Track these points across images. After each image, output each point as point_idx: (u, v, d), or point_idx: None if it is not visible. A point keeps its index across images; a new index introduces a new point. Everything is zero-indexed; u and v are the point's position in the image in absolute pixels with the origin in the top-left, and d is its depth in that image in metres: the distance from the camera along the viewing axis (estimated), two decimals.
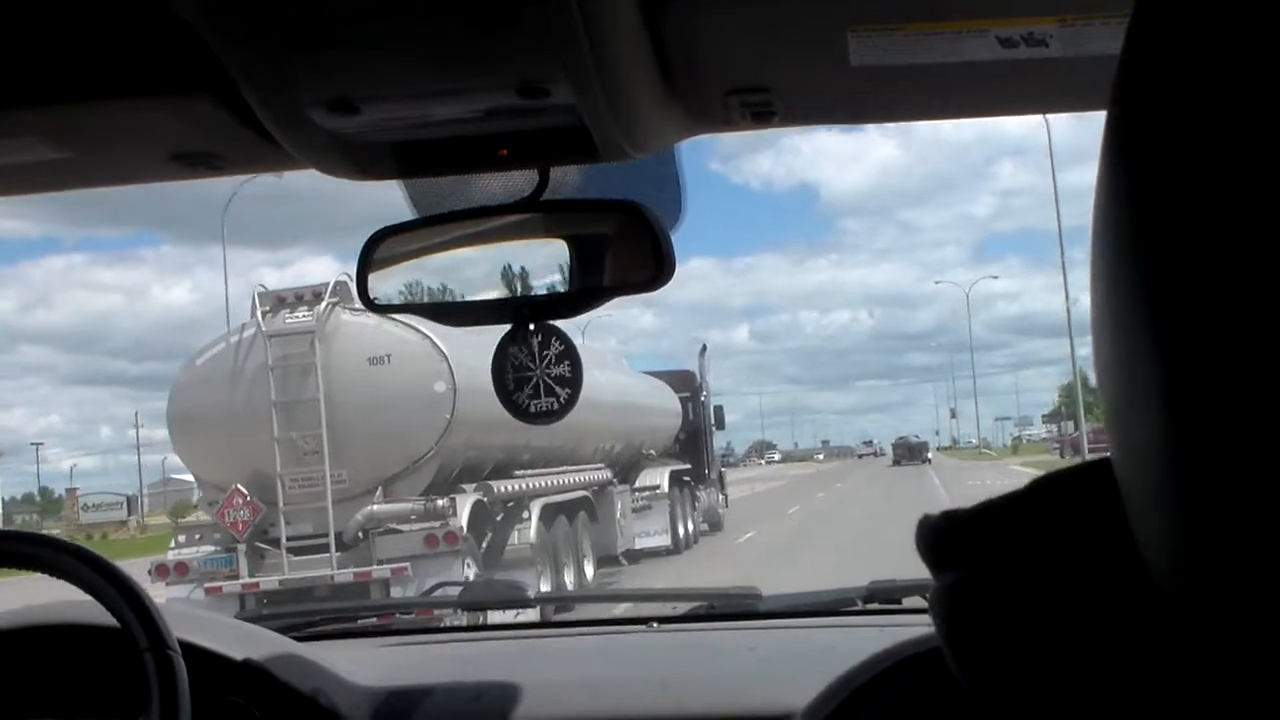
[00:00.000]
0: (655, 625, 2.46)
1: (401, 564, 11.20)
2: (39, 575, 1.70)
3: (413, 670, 2.12)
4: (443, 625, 2.93)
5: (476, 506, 11.97)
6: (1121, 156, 0.40)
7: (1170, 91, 0.38)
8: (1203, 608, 0.41)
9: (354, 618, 2.88)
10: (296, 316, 11.56)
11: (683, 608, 2.62)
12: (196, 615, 2.07)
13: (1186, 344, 0.37)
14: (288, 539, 11.50)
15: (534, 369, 1.36)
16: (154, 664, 1.64)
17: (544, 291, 1.37)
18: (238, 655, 1.91)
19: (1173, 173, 0.38)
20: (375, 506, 11.48)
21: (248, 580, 11.41)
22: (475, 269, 1.41)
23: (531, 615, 3.03)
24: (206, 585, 11.37)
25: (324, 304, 11.48)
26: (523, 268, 1.39)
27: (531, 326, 1.35)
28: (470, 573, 11.44)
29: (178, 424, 11.89)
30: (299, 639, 2.24)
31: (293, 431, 11.42)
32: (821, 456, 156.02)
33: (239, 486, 11.43)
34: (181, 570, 11.53)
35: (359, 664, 2.09)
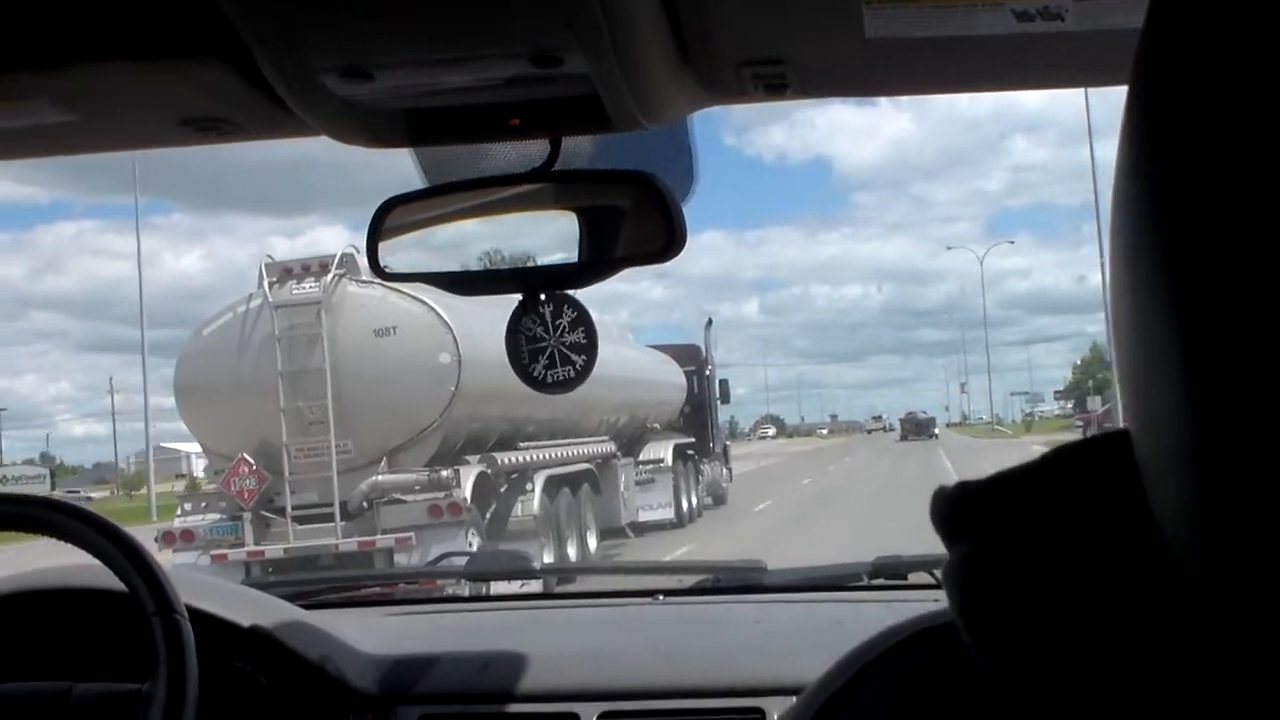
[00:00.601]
0: (660, 597, 2.46)
1: (405, 534, 11.31)
2: (45, 540, 1.73)
3: (419, 639, 2.13)
4: (449, 595, 2.94)
5: (480, 478, 12.07)
6: (1142, 127, 0.41)
7: (1192, 63, 0.38)
8: (1220, 576, 0.41)
9: (360, 586, 2.89)
10: (303, 288, 11.63)
11: (688, 580, 2.62)
12: (204, 581, 2.08)
13: (1206, 310, 0.38)
14: (293, 508, 11.60)
15: (548, 338, 1.36)
16: (161, 628, 1.64)
17: (555, 262, 1.37)
18: (245, 622, 1.91)
19: (1193, 143, 0.38)
20: (380, 477, 11.57)
21: (253, 548, 11.51)
22: (486, 239, 1.40)
23: (537, 586, 3.03)
24: (212, 552, 11.50)
25: (330, 275, 11.54)
26: (533, 238, 1.39)
27: (543, 297, 1.35)
28: (474, 543, 11.53)
29: (185, 393, 11.98)
30: (306, 607, 2.25)
31: (299, 401, 11.50)
32: (825, 432, 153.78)
33: (245, 455, 11.53)
34: (188, 537, 11.64)
35: (366, 632, 2.09)
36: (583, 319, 1.36)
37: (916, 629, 0.68)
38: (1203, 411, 0.39)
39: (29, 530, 1.71)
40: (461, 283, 1.43)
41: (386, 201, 1.35)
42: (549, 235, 1.38)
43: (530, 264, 1.37)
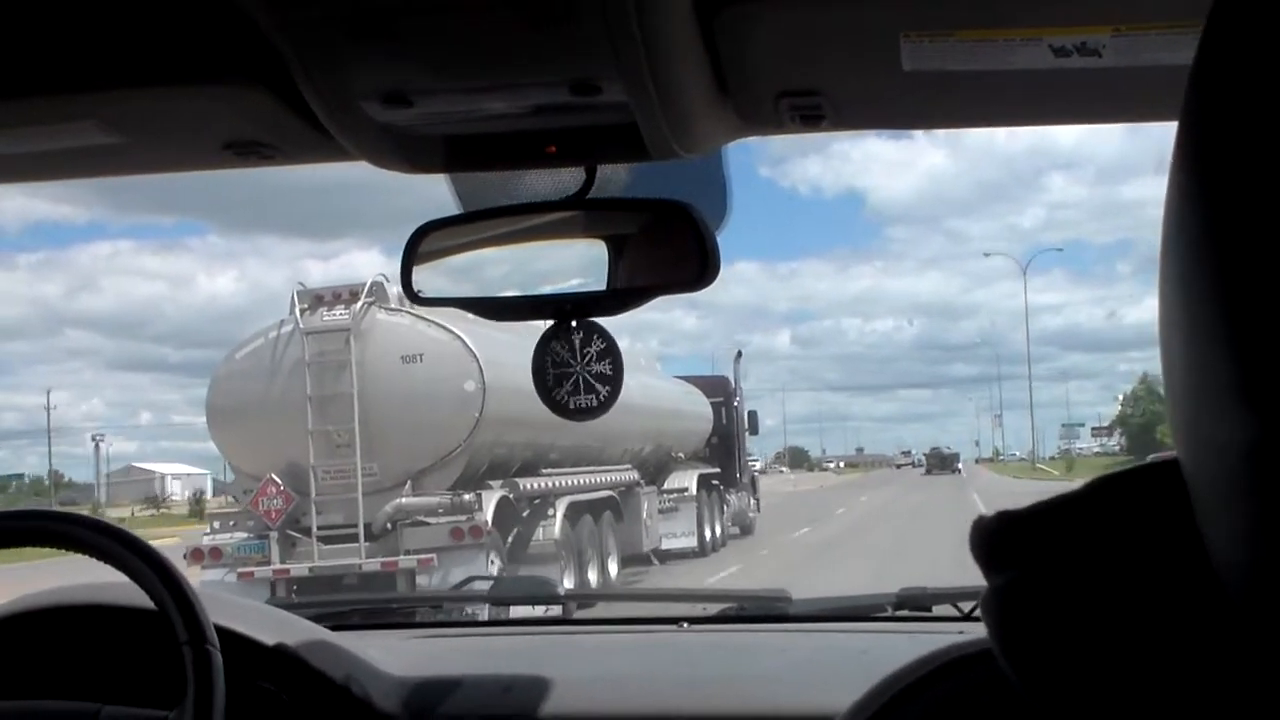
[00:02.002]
0: (685, 625, 2.43)
1: (428, 555, 11.58)
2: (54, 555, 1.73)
3: (443, 661, 2.13)
4: (473, 619, 2.90)
5: (502, 502, 12.32)
6: (1195, 159, 0.40)
7: (1246, 96, 0.38)
8: (1276, 605, 0.40)
9: (384, 608, 2.89)
10: (334, 314, 11.95)
11: (713, 608, 2.60)
12: (229, 601, 2.05)
13: (1264, 337, 0.38)
14: (319, 528, 11.89)
15: (574, 365, 1.36)
16: (192, 657, 1.62)
17: (587, 289, 1.36)
18: (270, 641, 1.89)
19: (1249, 170, 0.38)
20: (404, 499, 11.85)
21: (279, 566, 11.80)
22: (519, 264, 1.41)
23: (559, 612, 3.01)
24: (239, 570, 11.79)
25: (360, 303, 11.85)
26: (565, 264, 1.40)
27: (574, 324, 1.35)
28: (495, 566, 11.80)
29: (216, 414, 12.32)
30: (331, 628, 2.21)
31: (327, 425, 11.81)
32: (835, 466, 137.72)
33: (273, 476, 11.84)
34: (215, 555, 11.97)
35: (390, 654, 2.08)
36: (611, 350, 1.36)
37: (950, 658, 0.67)
38: (1261, 438, 0.38)
39: (65, 547, 1.70)
40: (494, 308, 1.43)
41: (422, 226, 1.36)
42: (582, 262, 1.37)
43: (562, 291, 1.37)
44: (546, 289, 1.39)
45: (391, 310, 11.79)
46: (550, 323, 1.37)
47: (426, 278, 1.38)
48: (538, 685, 1.96)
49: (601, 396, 1.37)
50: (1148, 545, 0.48)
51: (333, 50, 1.03)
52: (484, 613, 2.98)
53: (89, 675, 1.88)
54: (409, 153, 1.25)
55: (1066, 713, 0.49)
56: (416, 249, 1.36)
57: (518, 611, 3.03)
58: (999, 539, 0.53)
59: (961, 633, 0.71)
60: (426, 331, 11.66)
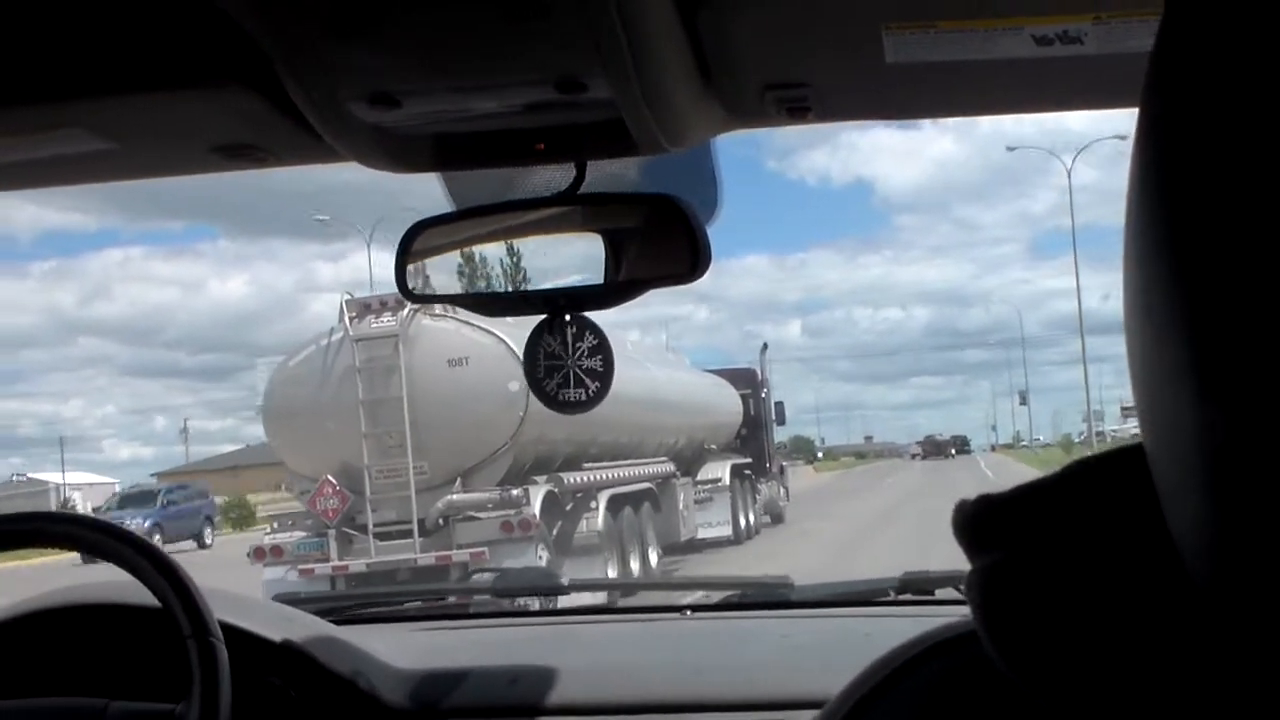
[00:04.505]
0: (689, 613, 2.45)
1: (479, 549, 12.03)
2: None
3: (449, 654, 2.13)
4: (478, 610, 2.87)
5: (548, 496, 12.77)
6: (1152, 145, 0.41)
7: (1201, 83, 0.39)
8: (1235, 591, 0.41)
9: (390, 602, 2.87)
10: (381, 321, 12.39)
11: (716, 596, 2.61)
12: (234, 597, 2.05)
13: (1218, 322, 0.38)
14: (374, 525, 12.37)
15: (565, 359, 1.36)
16: (197, 651, 1.63)
17: (579, 284, 1.37)
18: (276, 637, 1.91)
19: (1204, 153, 0.38)
20: (455, 496, 12.32)
21: (338, 563, 12.29)
22: (512, 261, 1.40)
23: (565, 602, 2.98)
24: (300, 567, 12.30)
25: (406, 310, 12.25)
26: (557, 260, 1.40)
27: (567, 318, 1.36)
28: (544, 558, 12.24)
29: (272, 419, 12.85)
30: (337, 623, 2.25)
31: (378, 427, 12.27)
32: (815, 456, 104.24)
33: (329, 477, 12.34)
34: (277, 553, 12.50)
35: (396, 647, 2.09)
36: (602, 347, 1.37)
37: (943, 637, 0.67)
38: (1215, 424, 0.39)
39: (67, 547, 1.74)
40: (487, 304, 1.46)
41: (414, 225, 1.37)
42: (574, 257, 1.38)
43: (555, 286, 1.38)
44: (539, 284, 1.39)
45: (437, 316, 12.22)
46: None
47: (420, 275, 1.40)
48: (543, 675, 1.97)
49: (591, 391, 1.38)
50: (1123, 528, 0.49)
51: (318, 52, 1.04)
52: (494, 605, 2.94)
53: (96, 672, 1.90)
54: (398, 152, 1.25)
55: (1049, 692, 0.51)
56: (410, 247, 1.37)
57: (523, 602, 3.03)
58: (981, 522, 0.54)
59: (964, 616, 0.64)
60: (471, 335, 12.08)
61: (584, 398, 1.38)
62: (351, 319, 12.51)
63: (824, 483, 51.30)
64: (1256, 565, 0.39)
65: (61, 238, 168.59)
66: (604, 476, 14.22)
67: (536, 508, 12.38)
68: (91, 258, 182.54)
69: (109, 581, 1.91)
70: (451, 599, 3.03)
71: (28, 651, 1.97)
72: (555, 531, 13.07)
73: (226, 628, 1.70)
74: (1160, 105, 0.41)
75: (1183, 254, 0.39)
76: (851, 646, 1.86)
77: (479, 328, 11.98)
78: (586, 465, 14.01)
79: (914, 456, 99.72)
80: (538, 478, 12.99)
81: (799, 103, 1.22)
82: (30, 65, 1.10)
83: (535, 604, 2.99)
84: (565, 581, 2.92)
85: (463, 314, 10.85)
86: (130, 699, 1.76)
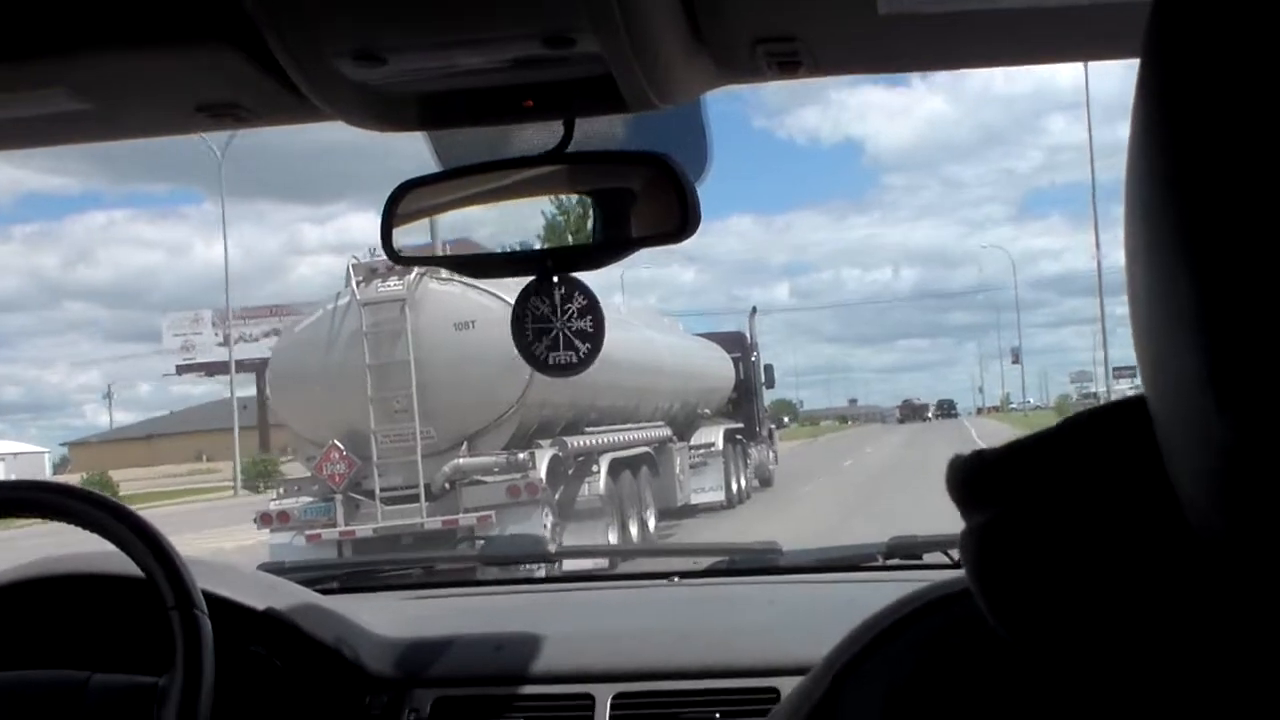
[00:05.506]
0: (676, 579, 2.46)
1: (486, 512, 12.08)
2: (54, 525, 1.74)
3: (434, 622, 2.13)
4: (464, 579, 2.85)
5: (553, 460, 12.80)
6: (1156, 91, 0.41)
7: (1203, 27, 0.39)
8: (1237, 542, 0.41)
9: (375, 571, 2.86)
10: (388, 285, 12.37)
11: (703, 562, 2.61)
12: (219, 566, 2.05)
13: (1223, 274, 0.38)
14: (381, 490, 12.37)
15: (554, 321, 1.34)
16: (180, 622, 1.63)
17: (568, 243, 1.36)
18: (260, 606, 1.91)
19: (1207, 105, 0.38)
20: (461, 460, 12.34)
21: (344, 528, 12.30)
22: (499, 220, 1.39)
23: (551, 569, 2.95)
24: (307, 533, 12.31)
25: (413, 273, 12.22)
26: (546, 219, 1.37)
27: (555, 279, 1.33)
28: (549, 521, 12.32)
29: (278, 384, 12.88)
30: (322, 592, 2.25)
31: (385, 392, 12.27)
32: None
33: (336, 442, 12.31)
34: (284, 518, 12.49)
35: (381, 616, 2.09)
36: (592, 307, 1.34)
37: (930, 597, 0.66)
38: (1219, 376, 0.38)
39: (55, 517, 1.70)
40: (475, 265, 1.44)
41: (400, 185, 1.35)
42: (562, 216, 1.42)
43: (543, 246, 1.36)
44: (527, 245, 1.37)
45: (443, 280, 12.22)
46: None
47: (407, 236, 1.37)
48: (529, 643, 1.98)
49: (581, 353, 1.35)
50: (1121, 482, 0.49)
51: (300, 7, 1.01)
52: (480, 573, 2.94)
53: (78, 644, 1.89)
54: (384, 111, 1.23)
55: (1043, 649, 0.50)
56: (396, 208, 1.35)
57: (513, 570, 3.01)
58: (976, 478, 0.54)
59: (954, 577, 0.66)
60: (478, 299, 12.07)
61: (574, 360, 1.35)
62: (358, 283, 12.49)
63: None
64: (1258, 516, 0.39)
65: (44, 201, 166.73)
66: (605, 440, 14.28)
67: (543, 471, 12.41)
68: (75, 221, 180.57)
69: (92, 552, 1.88)
70: (441, 567, 3.03)
71: (8, 623, 1.95)
72: (558, 495, 13.11)
73: (210, 597, 1.69)
74: (1164, 48, 0.41)
75: (1188, 196, 0.39)
76: (838, 612, 1.78)
77: (486, 291, 11.97)
78: (588, 429, 14.06)
79: (901, 420, 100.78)
80: (542, 441, 13.02)
81: (790, 57, 1.20)
82: (8, 23, 1.07)
83: (524, 571, 2.98)
84: (553, 549, 2.95)
85: (469, 278, 10.81)
86: (113, 671, 1.74)
